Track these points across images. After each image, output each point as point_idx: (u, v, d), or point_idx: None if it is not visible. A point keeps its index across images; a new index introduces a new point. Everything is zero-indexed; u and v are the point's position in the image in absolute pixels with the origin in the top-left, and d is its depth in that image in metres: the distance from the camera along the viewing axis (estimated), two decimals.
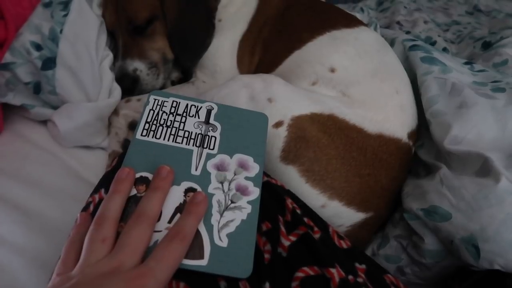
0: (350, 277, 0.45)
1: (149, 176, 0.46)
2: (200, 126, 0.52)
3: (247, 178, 0.48)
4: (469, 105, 0.62)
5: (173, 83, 0.92)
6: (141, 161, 0.47)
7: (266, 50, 0.84)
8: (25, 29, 0.72)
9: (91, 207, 0.48)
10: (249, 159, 0.50)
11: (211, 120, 0.53)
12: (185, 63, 0.89)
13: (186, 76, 0.93)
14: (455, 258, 0.54)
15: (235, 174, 0.48)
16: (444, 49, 1.18)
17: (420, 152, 0.70)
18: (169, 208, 0.44)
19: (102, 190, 0.48)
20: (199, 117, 0.53)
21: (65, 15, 0.73)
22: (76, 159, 0.75)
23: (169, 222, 0.43)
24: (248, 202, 0.46)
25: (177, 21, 0.83)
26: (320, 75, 0.71)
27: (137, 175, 0.46)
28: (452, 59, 0.79)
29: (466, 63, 0.81)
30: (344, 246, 0.50)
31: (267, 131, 0.54)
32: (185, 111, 0.53)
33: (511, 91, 0.64)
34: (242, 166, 0.49)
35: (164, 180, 0.44)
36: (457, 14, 1.58)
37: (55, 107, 0.75)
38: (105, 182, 0.50)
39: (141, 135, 0.50)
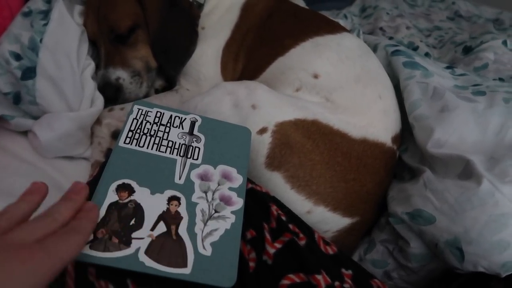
0: (337, 283, 0.44)
1: (132, 183, 0.46)
2: (184, 137, 0.52)
3: (230, 188, 0.48)
4: (450, 109, 0.63)
5: (157, 91, 0.92)
6: (123, 167, 0.47)
7: (249, 57, 0.85)
8: (4, 39, 0.71)
9: None
10: (232, 171, 0.50)
11: (195, 132, 0.53)
12: (168, 71, 0.88)
13: (170, 84, 0.93)
14: (441, 261, 0.55)
15: (218, 185, 0.48)
16: (426, 54, 1.19)
17: (405, 156, 0.70)
18: (152, 215, 0.44)
19: None
20: (183, 128, 0.53)
21: (45, 24, 0.72)
22: (58, 170, 0.73)
23: (152, 229, 0.42)
24: (232, 212, 0.46)
25: (159, 29, 0.83)
26: (304, 81, 0.71)
27: (120, 182, 0.45)
28: (433, 64, 0.80)
29: (447, 67, 0.83)
30: (330, 252, 0.50)
31: (250, 144, 0.54)
32: (169, 121, 0.53)
33: (491, 94, 0.65)
34: (226, 177, 0.49)
35: (77, 195, 0.42)
36: (438, 19, 1.61)
37: (35, 118, 0.74)
38: None
39: (124, 142, 0.49)
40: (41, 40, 0.70)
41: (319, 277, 0.43)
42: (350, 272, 0.48)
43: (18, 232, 0.34)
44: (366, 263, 0.64)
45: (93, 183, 0.47)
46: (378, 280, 0.50)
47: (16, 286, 0.30)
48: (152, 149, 0.50)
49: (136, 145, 0.49)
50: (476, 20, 1.58)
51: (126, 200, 0.44)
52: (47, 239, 0.34)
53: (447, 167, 0.58)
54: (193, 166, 0.49)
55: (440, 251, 0.53)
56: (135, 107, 0.54)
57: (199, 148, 0.51)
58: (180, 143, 0.51)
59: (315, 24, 0.84)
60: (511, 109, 0.61)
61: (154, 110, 0.54)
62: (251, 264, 0.45)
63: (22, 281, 0.31)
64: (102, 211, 0.43)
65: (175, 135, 0.52)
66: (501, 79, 0.90)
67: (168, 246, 0.42)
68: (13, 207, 0.37)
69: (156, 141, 0.51)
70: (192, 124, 0.54)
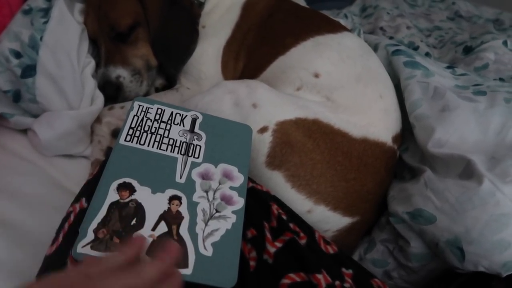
0: (337, 282, 0.44)
1: (133, 182, 0.45)
2: (185, 135, 0.52)
3: (231, 188, 0.48)
4: (451, 108, 0.63)
5: (157, 90, 0.91)
6: (124, 166, 0.46)
7: (250, 56, 0.84)
8: (4, 37, 0.70)
9: (72, 217, 0.46)
10: (233, 169, 0.50)
11: (196, 129, 0.53)
12: (169, 70, 0.88)
13: (170, 82, 0.93)
14: (441, 261, 0.55)
15: (219, 184, 0.48)
16: (427, 54, 1.19)
17: (405, 156, 0.70)
18: (153, 215, 0.43)
19: (83, 200, 0.47)
20: (184, 126, 0.53)
21: (45, 22, 0.72)
22: (58, 168, 0.73)
23: (153, 229, 0.42)
24: (233, 212, 0.46)
25: (160, 27, 0.82)
26: (305, 80, 0.71)
27: (121, 181, 0.45)
28: (434, 63, 0.80)
29: (448, 67, 0.83)
30: (331, 251, 0.50)
31: (251, 143, 0.54)
32: (170, 119, 0.53)
33: (492, 94, 0.65)
34: (227, 176, 0.49)
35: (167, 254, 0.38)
36: (439, 19, 1.60)
37: (35, 116, 0.73)
38: (86, 191, 0.48)
39: (125, 140, 0.49)
40: (41, 38, 0.70)
41: (319, 276, 0.43)
42: (350, 271, 0.48)
43: (103, 280, 0.33)
44: (366, 262, 0.64)
45: (93, 182, 0.47)
46: (378, 279, 0.50)
47: None
48: (153, 147, 0.49)
49: (136, 143, 0.49)
50: (476, 20, 1.58)
51: (127, 200, 0.44)
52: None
53: (448, 166, 0.58)
54: (194, 165, 0.49)
55: (440, 250, 0.53)
56: (136, 104, 0.53)
57: (200, 146, 0.51)
58: (181, 141, 0.51)
59: (316, 23, 0.84)
60: None
61: (155, 106, 0.54)
62: (252, 263, 0.45)
63: None
64: (103, 211, 0.42)
65: (176, 133, 0.51)
66: (501, 79, 0.90)
67: None
68: (109, 257, 0.36)
69: (157, 139, 0.50)
70: (193, 121, 0.53)
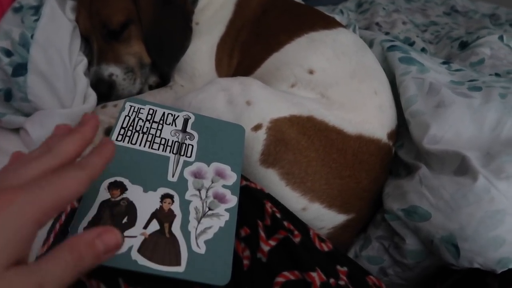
0: (332, 280, 0.44)
1: (124, 180, 0.45)
2: (177, 134, 0.51)
3: (224, 186, 0.48)
4: (446, 104, 0.63)
5: (151, 88, 0.91)
6: (115, 165, 0.46)
7: (244, 53, 0.84)
8: None
9: (63, 217, 0.46)
10: (226, 168, 0.50)
11: (188, 129, 0.52)
12: (162, 67, 0.88)
13: (164, 80, 0.92)
14: (436, 258, 0.55)
15: (212, 182, 0.48)
16: (423, 49, 1.19)
17: (400, 152, 0.70)
18: (145, 213, 0.43)
19: None
20: (176, 126, 0.52)
21: (36, 20, 0.71)
22: None
23: (145, 227, 0.42)
24: (226, 210, 0.46)
25: (153, 25, 0.82)
26: (299, 77, 0.71)
27: (112, 180, 0.45)
28: (429, 59, 0.80)
29: (443, 63, 0.82)
30: (326, 249, 0.50)
31: (244, 142, 0.54)
32: (162, 119, 0.53)
33: (488, 90, 0.64)
34: (220, 174, 0.49)
35: (85, 126, 0.37)
36: (435, 15, 1.60)
37: (27, 115, 0.73)
38: None
39: (116, 139, 0.49)
40: (32, 36, 0.69)
41: (313, 274, 0.43)
42: (345, 269, 0.48)
43: (5, 175, 0.31)
44: (361, 259, 0.64)
45: None
46: (374, 276, 0.50)
47: None
48: (144, 146, 0.49)
49: (128, 142, 0.49)
50: (472, 15, 1.58)
51: (118, 198, 0.43)
52: (37, 179, 0.30)
53: (443, 163, 0.57)
54: (186, 164, 0.49)
55: (435, 247, 0.52)
56: (127, 104, 0.53)
57: (193, 146, 0.51)
58: (173, 141, 0.51)
59: (311, 20, 0.83)
60: (507, 104, 0.60)
61: (147, 107, 0.53)
62: (246, 262, 0.45)
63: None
64: (94, 210, 0.42)
65: (168, 133, 0.51)
66: (497, 74, 0.90)
67: (161, 244, 0.41)
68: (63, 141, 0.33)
69: (149, 139, 0.50)
70: (185, 121, 0.53)
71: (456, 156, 0.55)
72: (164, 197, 0.45)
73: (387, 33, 1.29)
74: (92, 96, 0.77)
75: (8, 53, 0.69)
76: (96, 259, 0.30)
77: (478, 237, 0.48)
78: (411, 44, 1.23)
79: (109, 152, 0.36)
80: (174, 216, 0.44)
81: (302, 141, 0.60)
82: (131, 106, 0.53)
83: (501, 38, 1.03)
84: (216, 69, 0.85)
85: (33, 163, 0.31)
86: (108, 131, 0.77)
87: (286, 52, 0.77)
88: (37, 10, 0.72)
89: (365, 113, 0.67)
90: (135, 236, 0.41)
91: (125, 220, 0.42)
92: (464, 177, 0.52)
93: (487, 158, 0.53)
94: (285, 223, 0.48)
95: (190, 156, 0.50)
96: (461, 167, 0.54)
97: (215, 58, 0.85)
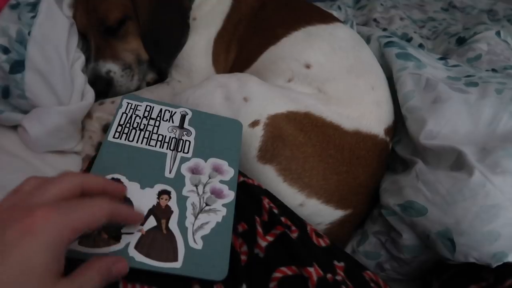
0: (329, 275, 0.45)
1: (121, 177, 0.45)
2: (174, 131, 0.51)
3: (222, 181, 0.48)
4: (443, 100, 0.63)
5: (149, 84, 0.90)
6: (112, 162, 0.46)
7: (241, 47, 0.84)
8: None
9: None
10: (223, 164, 0.50)
11: (185, 125, 0.53)
12: (159, 63, 0.87)
13: (161, 77, 0.92)
14: (432, 253, 0.55)
15: (209, 178, 0.48)
16: (420, 45, 1.19)
17: (397, 148, 0.70)
18: (141, 210, 0.43)
19: None
20: (173, 122, 0.53)
21: (33, 17, 0.70)
22: (49, 165, 0.72)
23: (142, 224, 0.42)
24: (223, 205, 0.46)
25: (150, 21, 0.82)
26: (296, 71, 0.71)
27: (109, 177, 0.45)
28: (426, 55, 0.80)
29: (440, 59, 0.82)
30: (323, 244, 0.50)
31: (241, 137, 0.54)
32: (159, 115, 0.53)
33: (484, 85, 0.65)
34: (217, 170, 0.49)
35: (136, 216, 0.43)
36: (432, 10, 1.60)
37: (25, 112, 0.72)
38: None
39: (113, 137, 0.49)
40: (29, 33, 0.69)
41: (311, 269, 0.43)
42: (342, 264, 0.48)
43: (32, 195, 0.34)
44: (358, 255, 0.64)
45: None
46: (371, 271, 0.51)
47: (37, 242, 0.30)
48: (141, 143, 0.49)
49: (125, 140, 0.49)
50: (470, 11, 1.58)
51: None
52: (62, 201, 0.34)
53: (439, 158, 0.58)
54: (183, 160, 0.49)
55: (431, 242, 0.53)
56: (124, 101, 0.53)
57: (190, 142, 0.51)
58: (170, 137, 0.51)
59: (308, 14, 0.83)
60: (503, 100, 0.60)
61: (144, 104, 0.54)
62: (243, 257, 0.45)
63: (42, 239, 0.30)
64: None
65: (165, 129, 0.51)
66: (494, 70, 0.90)
67: (158, 241, 0.41)
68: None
69: (146, 135, 0.50)
70: (183, 117, 0.53)
71: (452, 151, 0.55)
72: (161, 193, 0.45)
73: (384, 29, 1.29)
74: (90, 93, 0.77)
75: (5, 50, 0.69)
76: (110, 279, 0.36)
77: (473, 232, 0.48)
78: (409, 40, 1.23)
79: (133, 217, 0.42)
80: (171, 212, 0.44)
81: (299, 137, 0.60)
82: (128, 103, 0.53)
83: (498, 33, 1.03)
84: (213, 64, 0.85)
85: (50, 185, 0.35)
86: (106, 128, 0.77)
87: (283, 46, 0.77)
88: (34, 7, 0.72)
89: (362, 108, 0.67)
90: (132, 233, 0.41)
91: None
92: (460, 172, 0.52)
93: (483, 153, 0.53)
94: (283, 218, 0.48)
95: (187, 152, 0.50)
96: (457, 162, 0.54)
97: (212, 53, 0.85)
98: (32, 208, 0.32)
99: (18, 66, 0.68)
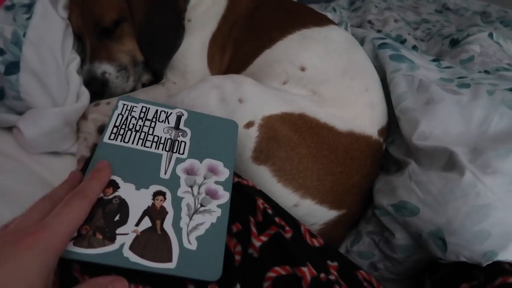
0: (322, 275, 0.45)
1: (116, 179, 0.45)
2: (170, 131, 0.52)
3: (217, 182, 0.48)
4: (436, 101, 0.64)
5: (144, 86, 0.91)
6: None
7: (236, 49, 0.84)
8: None
9: None
10: (219, 164, 0.50)
11: (181, 126, 0.53)
12: (155, 65, 0.88)
13: (157, 78, 0.92)
14: (425, 252, 0.56)
15: (205, 178, 0.48)
16: (414, 47, 1.20)
17: (391, 149, 0.71)
18: (136, 211, 0.43)
19: None
20: (169, 123, 0.53)
21: (28, 18, 0.71)
22: (44, 166, 0.73)
23: (136, 225, 0.42)
24: (218, 206, 0.46)
25: (145, 22, 0.82)
26: (291, 74, 0.71)
27: None
28: (420, 57, 0.81)
29: (433, 60, 0.83)
30: (317, 244, 0.50)
31: (237, 138, 0.54)
32: (155, 116, 0.53)
33: (476, 87, 0.65)
34: (212, 170, 0.49)
35: (100, 171, 0.44)
36: (426, 12, 1.61)
37: (20, 113, 0.73)
38: None
39: (109, 138, 0.49)
40: (24, 35, 0.69)
41: (304, 269, 0.44)
42: (336, 264, 0.48)
43: (18, 222, 0.36)
44: (352, 254, 0.65)
45: None
46: (364, 271, 0.51)
47: (30, 271, 0.32)
48: (137, 144, 0.49)
49: (121, 141, 0.49)
50: (463, 13, 1.59)
51: (111, 196, 0.44)
52: (47, 217, 0.36)
53: (432, 159, 0.58)
54: (179, 161, 0.49)
55: (424, 242, 0.53)
56: (120, 103, 0.53)
57: (185, 143, 0.51)
58: (165, 138, 0.51)
59: (303, 17, 0.83)
60: (495, 101, 0.61)
61: (140, 105, 0.54)
62: (237, 257, 0.45)
63: (34, 266, 0.32)
64: None
65: (161, 130, 0.52)
66: (486, 72, 0.91)
67: (153, 241, 0.42)
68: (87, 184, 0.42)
69: (142, 136, 0.50)
70: (178, 118, 0.54)
71: (444, 152, 0.56)
72: (156, 194, 0.45)
73: (379, 31, 1.30)
74: (85, 94, 0.77)
75: (1, 52, 0.69)
76: None
77: (464, 231, 0.49)
78: (403, 41, 1.24)
79: (106, 177, 0.44)
80: (166, 213, 0.44)
81: (294, 138, 0.61)
82: (124, 104, 0.53)
83: (490, 35, 1.04)
84: (208, 65, 0.85)
85: (36, 207, 0.39)
86: (101, 129, 0.77)
87: (278, 48, 0.77)
88: (29, 8, 0.72)
89: (356, 110, 0.67)
90: (127, 234, 0.41)
91: (117, 217, 0.42)
92: (452, 173, 0.53)
93: (474, 154, 0.54)
94: (277, 219, 0.49)
95: (182, 153, 0.50)
96: (449, 162, 0.55)
97: (207, 54, 0.85)
98: (21, 233, 0.34)
99: (13, 67, 0.69)
